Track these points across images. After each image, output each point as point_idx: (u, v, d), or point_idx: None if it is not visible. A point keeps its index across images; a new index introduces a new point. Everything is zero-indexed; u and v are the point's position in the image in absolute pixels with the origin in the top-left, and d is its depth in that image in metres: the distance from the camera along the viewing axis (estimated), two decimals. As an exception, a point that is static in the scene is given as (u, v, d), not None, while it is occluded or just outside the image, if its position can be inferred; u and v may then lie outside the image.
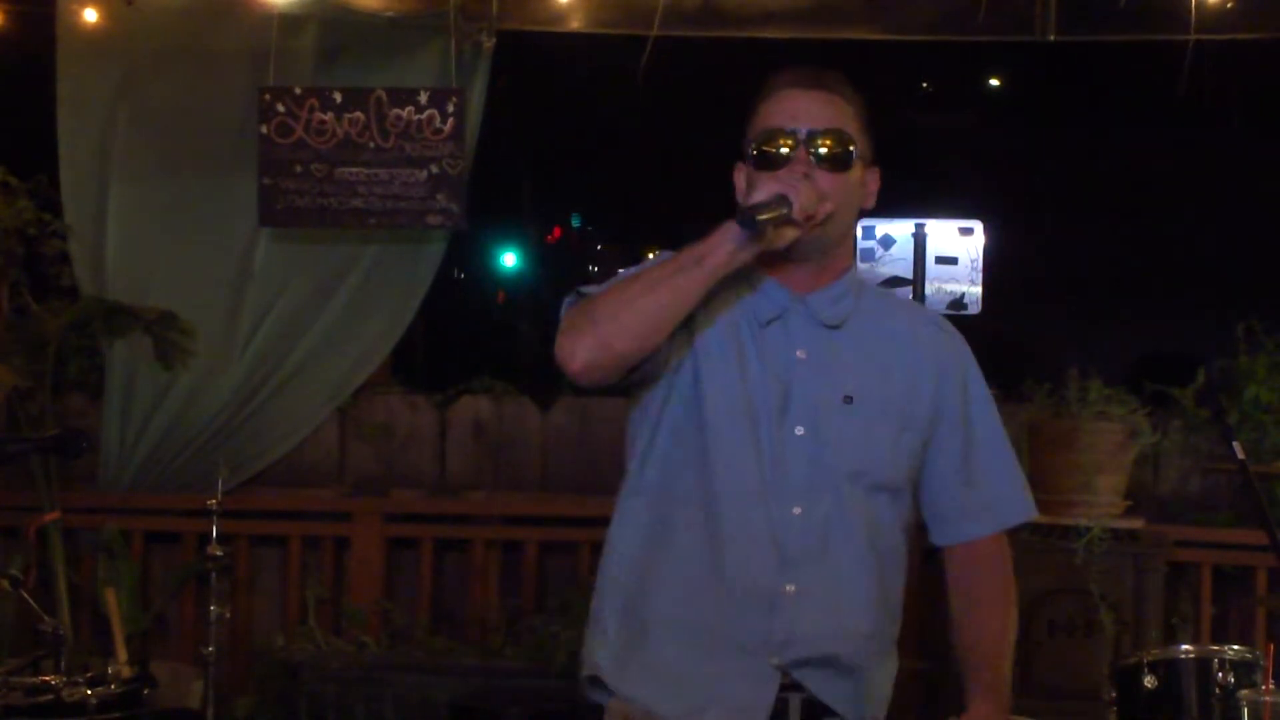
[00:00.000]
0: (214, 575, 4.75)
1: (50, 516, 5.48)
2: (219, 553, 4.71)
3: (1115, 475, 5.07)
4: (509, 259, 14.22)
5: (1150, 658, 3.65)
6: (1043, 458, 5.09)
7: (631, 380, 2.59)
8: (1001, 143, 12.25)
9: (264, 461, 6.05)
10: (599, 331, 2.49)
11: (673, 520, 2.61)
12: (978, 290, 7.23)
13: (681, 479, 2.60)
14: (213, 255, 5.96)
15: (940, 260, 7.17)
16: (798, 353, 2.60)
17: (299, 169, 5.72)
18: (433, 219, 5.77)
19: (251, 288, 5.94)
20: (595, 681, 2.68)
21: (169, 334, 5.67)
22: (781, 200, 2.46)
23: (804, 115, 2.58)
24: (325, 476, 6.17)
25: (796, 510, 2.56)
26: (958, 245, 7.22)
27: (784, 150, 2.57)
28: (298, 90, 5.73)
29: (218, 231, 5.95)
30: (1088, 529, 4.91)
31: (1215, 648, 3.68)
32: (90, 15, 5.80)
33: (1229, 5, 5.35)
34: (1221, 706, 3.50)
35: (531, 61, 6.46)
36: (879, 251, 7.27)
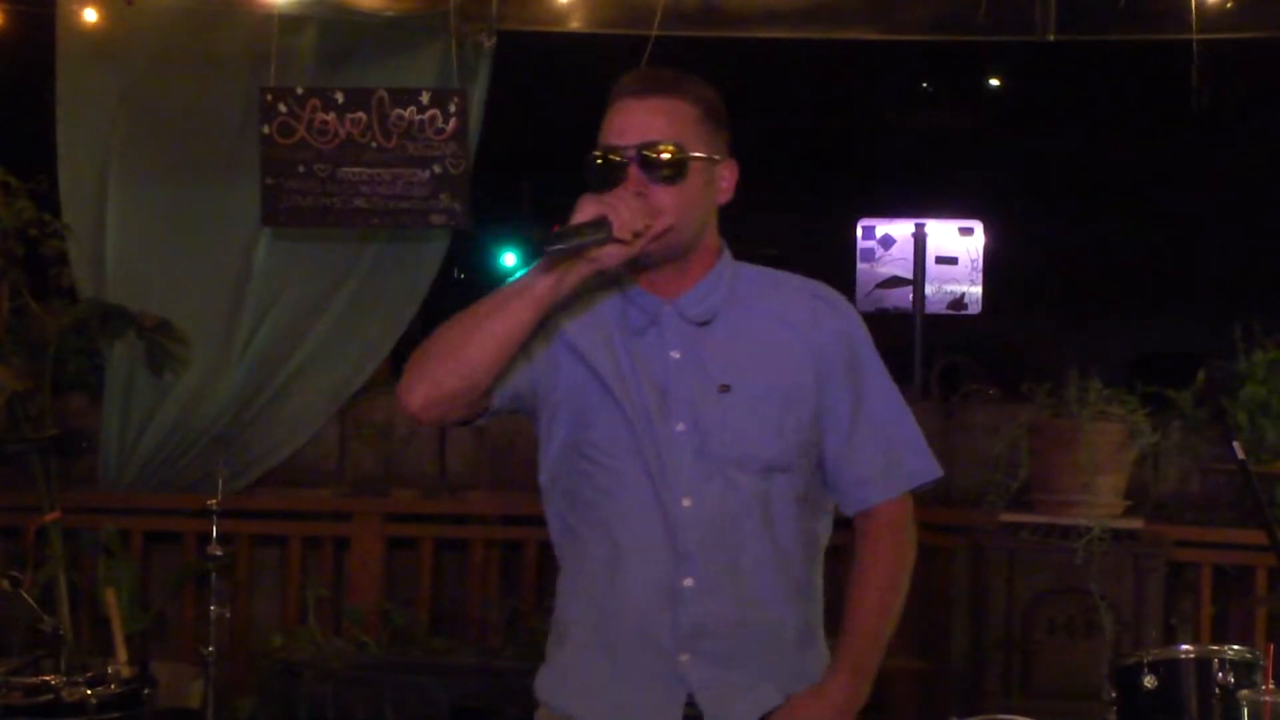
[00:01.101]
0: (214, 575, 4.75)
1: (50, 516, 5.48)
2: (219, 553, 4.71)
3: (1115, 475, 5.07)
4: (509, 259, 14.23)
5: (1150, 658, 3.65)
6: (1043, 458, 5.09)
7: (489, 414, 2.65)
8: (1001, 143, 12.25)
9: (266, 465, 6.06)
10: (431, 371, 2.55)
11: (578, 530, 2.66)
12: (978, 290, 7.24)
13: (579, 491, 2.65)
14: (213, 256, 5.96)
15: (940, 260, 7.18)
16: (672, 354, 2.62)
17: (301, 169, 5.72)
18: (436, 219, 5.77)
19: (252, 289, 5.95)
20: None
21: (163, 341, 5.67)
22: (599, 224, 2.46)
23: (635, 129, 2.57)
24: (325, 476, 6.17)
25: (686, 503, 2.58)
26: (958, 245, 7.23)
27: (615, 167, 2.56)
28: (299, 90, 5.73)
29: (218, 232, 5.95)
30: (1088, 529, 4.91)
31: (1215, 648, 3.67)
32: (90, 16, 5.80)
33: (1228, 5, 5.35)
34: (1221, 706, 3.50)
35: (532, 61, 6.45)
36: (879, 251, 7.27)
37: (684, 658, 2.58)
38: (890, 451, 2.69)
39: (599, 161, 2.58)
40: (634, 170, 2.56)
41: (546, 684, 2.72)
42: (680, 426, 2.59)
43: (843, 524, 2.76)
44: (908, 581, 2.70)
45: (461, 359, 2.53)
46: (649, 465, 2.59)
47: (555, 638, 2.73)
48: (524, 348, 2.59)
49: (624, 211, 2.48)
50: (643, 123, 2.58)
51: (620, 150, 2.57)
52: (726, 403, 2.60)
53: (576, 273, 2.51)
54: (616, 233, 2.47)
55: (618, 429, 2.61)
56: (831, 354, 2.66)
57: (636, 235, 2.50)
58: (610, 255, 2.50)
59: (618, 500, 2.61)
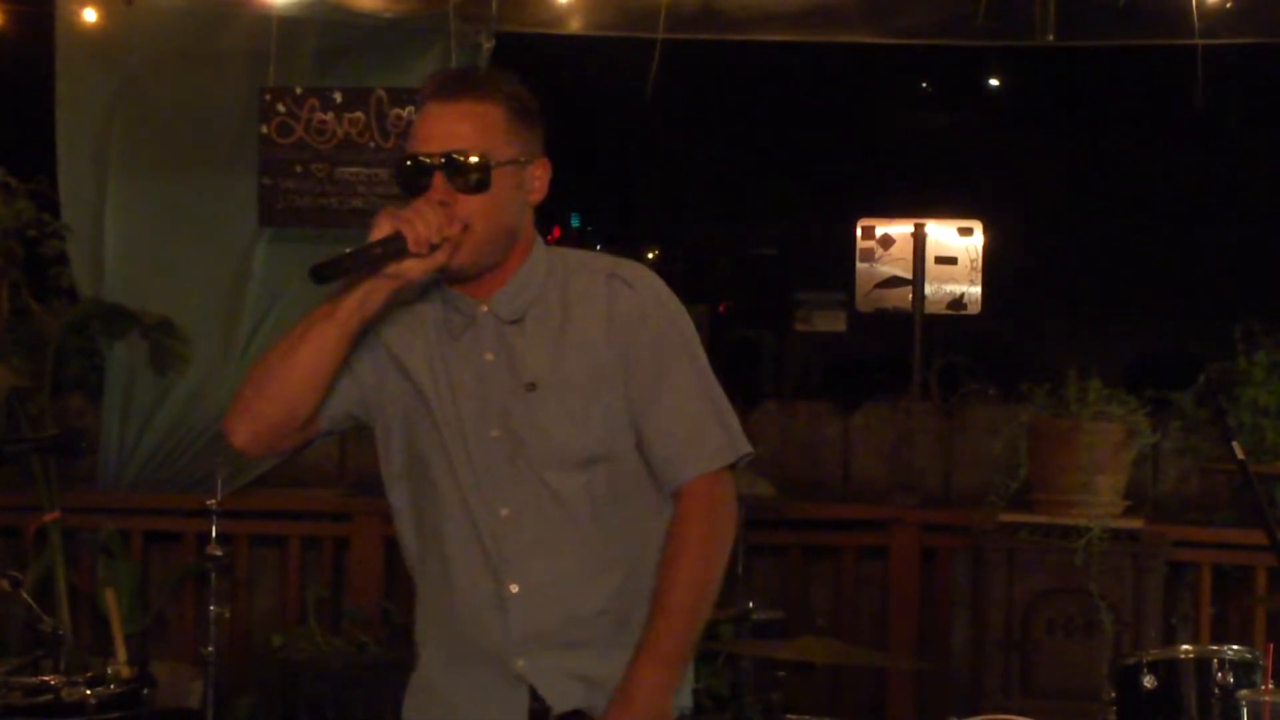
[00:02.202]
0: (214, 575, 4.74)
1: (50, 516, 5.48)
2: (219, 553, 4.71)
3: (1115, 475, 5.07)
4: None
5: (1150, 658, 3.65)
6: (1043, 458, 5.09)
7: (322, 436, 2.65)
8: (1001, 143, 12.25)
9: (264, 465, 6.04)
10: (249, 405, 2.56)
11: (418, 545, 2.67)
12: (978, 290, 7.22)
13: (415, 504, 2.65)
14: (212, 256, 5.96)
15: (940, 260, 7.16)
16: (486, 356, 2.60)
17: (299, 169, 5.72)
18: (433, 219, 5.76)
19: (251, 289, 5.94)
20: None
21: (166, 340, 5.67)
22: (391, 240, 2.46)
23: (439, 137, 2.54)
24: (325, 476, 6.17)
25: (504, 511, 2.57)
26: (958, 245, 7.22)
27: (420, 175, 2.54)
28: (298, 90, 5.73)
29: (217, 232, 5.95)
30: (1088, 529, 4.91)
31: (1215, 648, 3.68)
32: (90, 15, 5.80)
33: (1228, 5, 5.34)
34: (1221, 706, 3.50)
35: (531, 61, 6.46)
36: (878, 251, 7.26)
37: (520, 663, 2.58)
38: (694, 429, 2.62)
39: (406, 168, 2.56)
40: (439, 179, 2.53)
41: (407, 707, 2.73)
42: (494, 433, 2.58)
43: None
44: (724, 565, 2.62)
45: (277, 390, 2.54)
46: (459, 477, 2.57)
47: (417, 641, 2.73)
48: (347, 364, 2.59)
49: (419, 224, 2.47)
50: (448, 129, 2.55)
51: (426, 157, 2.54)
52: (533, 401, 2.58)
53: (379, 291, 2.51)
54: (411, 247, 2.46)
55: (439, 440, 2.60)
56: (629, 333, 2.60)
57: (434, 247, 2.48)
58: (411, 269, 2.50)
59: (442, 513, 2.61)
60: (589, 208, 14.63)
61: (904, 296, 7.16)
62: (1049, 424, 5.09)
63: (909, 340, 6.85)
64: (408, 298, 2.62)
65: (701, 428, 2.62)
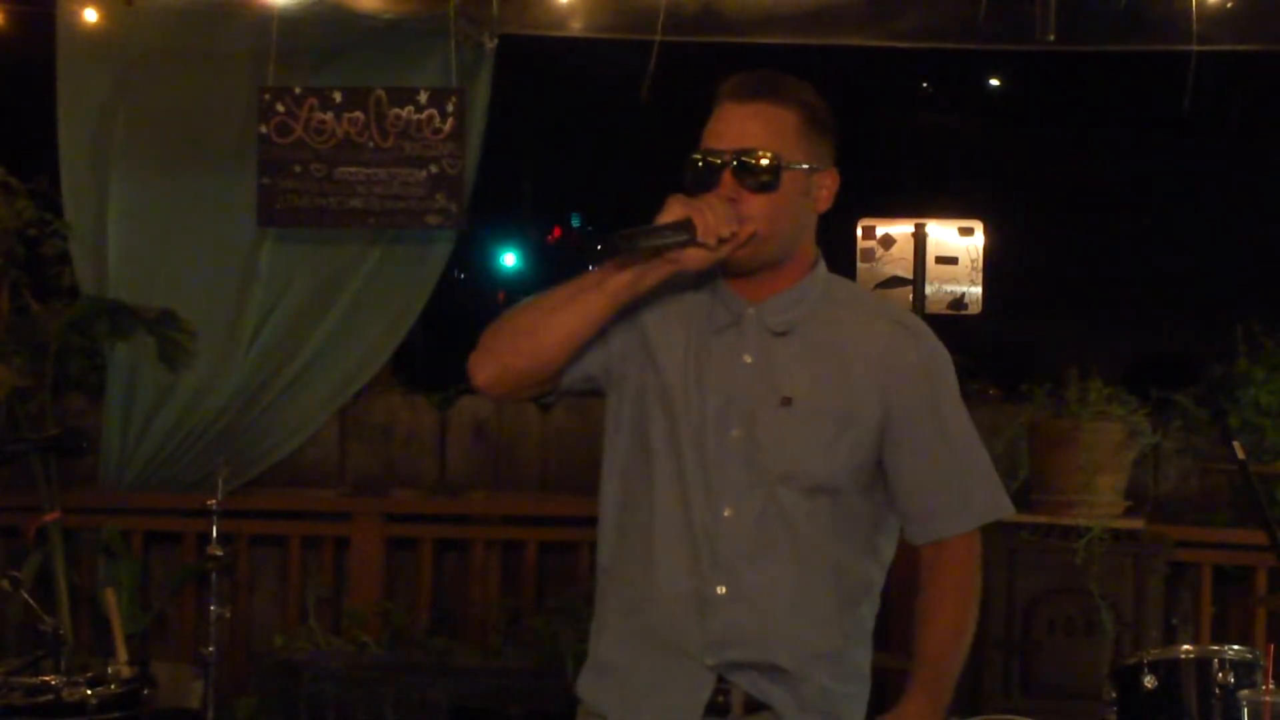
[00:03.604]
0: (214, 575, 4.74)
1: (50, 516, 5.48)
2: (219, 553, 4.71)
3: (1115, 475, 5.07)
4: (509, 259, 14.22)
5: (1150, 658, 3.65)
6: (1043, 458, 5.09)
7: (555, 394, 2.68)
8: (1001, 143, 12.25)
9: (266, 464, 6.05)
10: (501, 351, 2.61)
11: (626, 526, 2.68)
12: (978, 290, 7.22)
13: (631, 487, 2.67)
14: (214, 256, 5.96)
15: (940, 260, 7.15)
16: (745, 358, 2.62)
17: (298, 169, 5.72)
18: (432, 219, 5.77)
19: (254, 289, 5.94)
20: None
21: (171, 333, 5.67)
22: (682, 226, 2.49)
23: (732, 135, 2.57)
24: (325, 476, 6.17)
25: (727, 512, 2.58)
26: (958, 245, 7.21)
27: (710, 171, 2.57)
28: (297, 90, 5.73)
29: (219, 232, 5.95)
30: (1088, 529, 4.91)
31: (1215, 648, 3.67)
32: (90, 15, 5.80)
33: (1228, 5, 5.35)
34: (1221, 707, 3.50)
35: (532, 62, 6.46)
36: (879, 251, 7.26)
37: (709, 662, 2.59)
38: (964, 485, 2.69)
39: (697, 164, 2.58)
40: (728, 176, 2.55)
41: (585, 681, 2.72)
42: (735, 433, 2.59)
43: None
44: (976, 612, 2.70)
45: (532, 344, 2.58)
46: (683, 469, 2.58)
47: (594, 629, 2.73)
48: (601, 330, 2.61)
49: (710, 216, 2.49)
50: (741, 128, 2.58)
51: (717, 154, 2.57)
52: (785, 416, 2.59)
53: (655, 273, 2.54)
54: (700, 236, 2.49)
55: (675, 427, 2.61)
56: (907, 384, 2.64)
57: (722, 241, 2.51)
58: (691, 258, 2.52)
59: (654, 505, 2.62)
60: (589, 208, 14.64)
61: (904, 296, 7.16)
62: (1049, 424, 5.10)
63: (909, 340, 6.85)
64: (680, 284, 2.64)
65: (974, 485, 2.70)
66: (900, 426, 2.63)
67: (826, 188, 2.66)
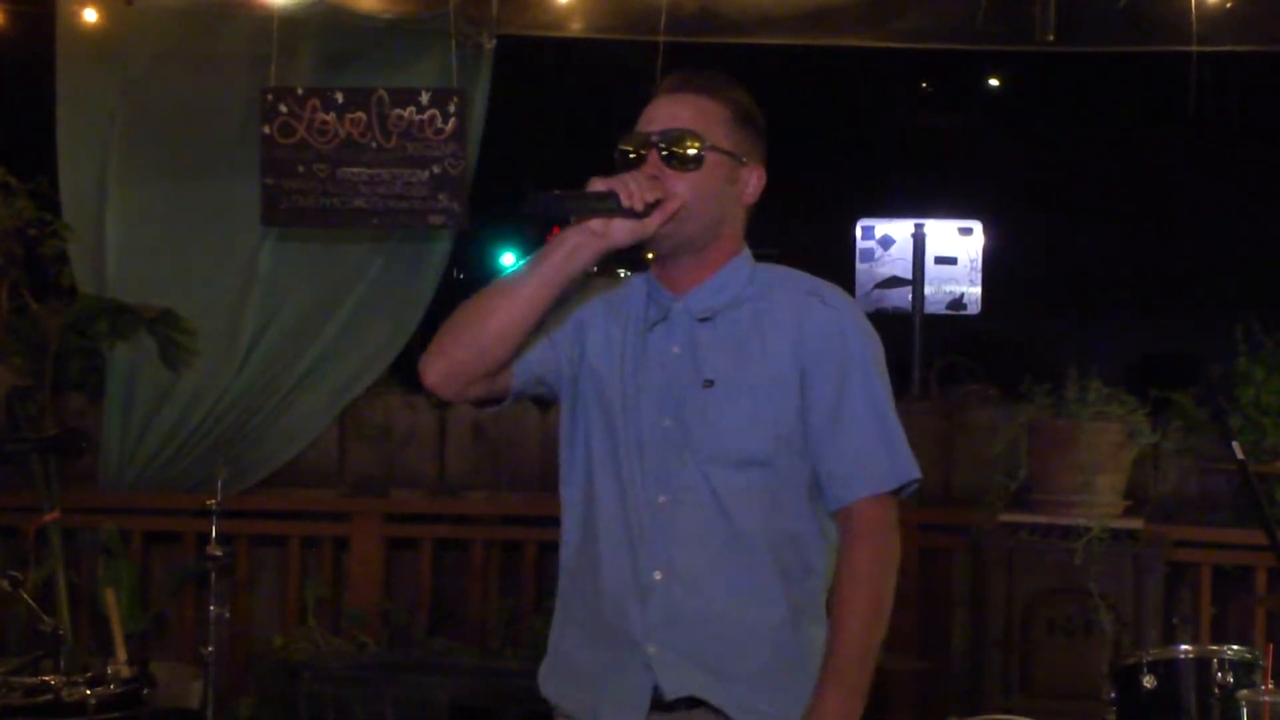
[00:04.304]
0: (214, 575, 4.74)
1: (50, 516, 5.48)
2: (219, 553, 4.71)
3: (1115, 475, 5.07)
4: (508, 259, 14.23)
5: (1150, 658, 3.65)
6: (1042, 458, 5.09)
7: (514, 395, 2.73)
8: (1001, 143, 12.24)
9: (267, 469, 6.05)
10: (446, 346, 2.65)
11: (576, 527, 2.74)
12: (977, 290, 7.23)
13: (578, 486, 2.74)
14: (214, 257, 5.96)
15: (940, 260, 7.17)
16: (673, 349, 2.69)
17: (301, 169, 5.72)
18: (435, 219, 5.77)
19: (256, 291, 5.94)
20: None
21: (171, 333, 5.67)
22: (604, 194, 2.56)
23: (660, 118, 2.67)
24: (325, 477, 6.17)
25: (661, 499, 2.64)
26: (958, 245, 7.22)
27: (638, 149, 2.66)
28: (300, 90, 5.73)
29: (219, 233, 5.95)
30: (1088, 529, 4.91)
31: (1215, 648, 3.68)
32: (90, 15, 5.81)
33: (1228, 5, 5.35)
34: (1221, 706, 3.50)
35: (532, 62, 6.46)
36: (879, 251, 7.26)
37: (651, 649, 2.63)
38: (867, 449, 2.68)
39: (626, 148, 2.67)
40: (654, 155, 2.64)
41: (550, 682, 2.78)
42: (667, 423, 2.66)
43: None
44: (892, 589, 2.67)
45: (474, 334, 2.63)
46: (620, 462, 2.66)
47: (557, 630, 2.80)
48: (546, 331, 2.68)
49: (632, 184, 2.56)
50: (669, 113, 2.68)
51: (645, 137, 2.66)
52: (708, 397, 2.65)
53: (584, 250, 2.59)
54: (624, 202, 2.54)
55: (610, 425, 2.69)
56: (819, 350, 2.68)
57: (649, 207, 2.57)
58: (619, 229, 2.58)
59: (601, 493, 2.69)
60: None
61: (904, 296, 7.16)
62: (1049, 424, 5.09)
63: (909, 340, 6.86)
64: (617, 290, 2.74)
65: (878, 450, 2.69)
66: (810, 390, 2.67)
67: (753, 182, 2.73)
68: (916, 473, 2.71)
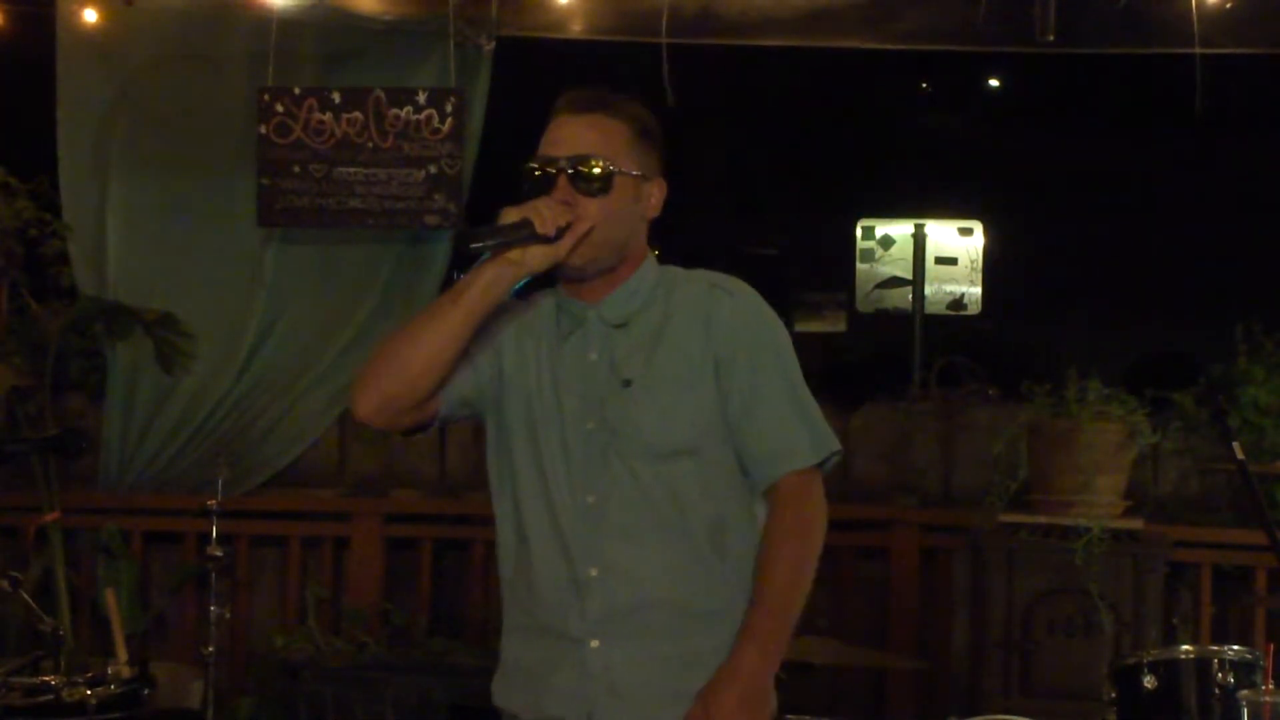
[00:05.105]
0: (214, 575, 4.75)
1: (50, 516, 5.49)
2: (219, 553, 4.71)
3: (1115, 475, 5.07)
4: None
5: (1150, 658, 3.65)
6: (1043, 458, 5.09)
7: (432, 422, 2.81)
8: (1001, 143, 12.23)
9: (268, 471, 6.05)
10: (375, 378, 2.74)
11: (510, 536, 2.82)
12: (977, 291, 7.24)
13: (508, 498, 2.83)
14: (214, 257, 5.96)
15: (940, 260, 7.18)
16: (590, 355, 2.78)
17: (297, 169, 5.72)
18: (431, 219, 5.77)
19: (257, 292, 5.94)
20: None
21: (169, 337, 5.67)
22: (520, 225, 2.62)
23: (566, 142, 2.73)
24: (325, 477, 6.17)
25: (590, 499, 2.72)
26: (958, 245, 7.23)
27: (546, 175, 2.71)
28: (296, 90, 5.73)
29: (219, 233, 5.95)
30: (1087, 529, 4.91)
31: (1215, 648, 3.69)
32: (90, 16, 5.81)
33: (1228, 5, 5.34)
34: (1221, 707, 3.50)
35: (532, 62, 6.46)
36: (879, 252, 7.27)
37: (594, 644, 2.71)
38: (787, 428, 2.78)
39: (534, 172, 2.72)
40: (563, 180, 2.70)
41: (497, 688, 2.87)
42: (590, 425, 2.74)
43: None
44: (815, 557, 2.77)
45: (402, 366, 2.71)
46: (545, 467, 2.74)
47: (503, 639, 2.87)
48: (468, 355, 2.76)
49: (545, 211, 2.64)
50: (576, 136, 2.74)
51: (553, 161, 2.71)
52: (627, 396, 2.74)
53: (503, 280, 2.68)
54: (540, 230, 2.62)
55: (531, 434, 2.78)
56: (729, 338, 2.77)
57: (560, 232, 2.65)
58: (535, 256, 2.67)
59: (528, 501, 2.78)
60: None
61: (904, 296, 7.17)
62: (1049, 424, 5.09)
63: (909, 340, 6.86)
64: (526, 308, 2.83)
65: (793, 429, 2.78)
66: (726, 378, 2.76)
67: (655, 196, 2.82)
68: (836, 445, 2.81)
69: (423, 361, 2.69)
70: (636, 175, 2.76)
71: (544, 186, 2.70)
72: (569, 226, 2.66)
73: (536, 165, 2.72)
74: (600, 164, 2.71)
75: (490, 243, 2.63)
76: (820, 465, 2.80)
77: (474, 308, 2.67)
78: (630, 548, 2.71)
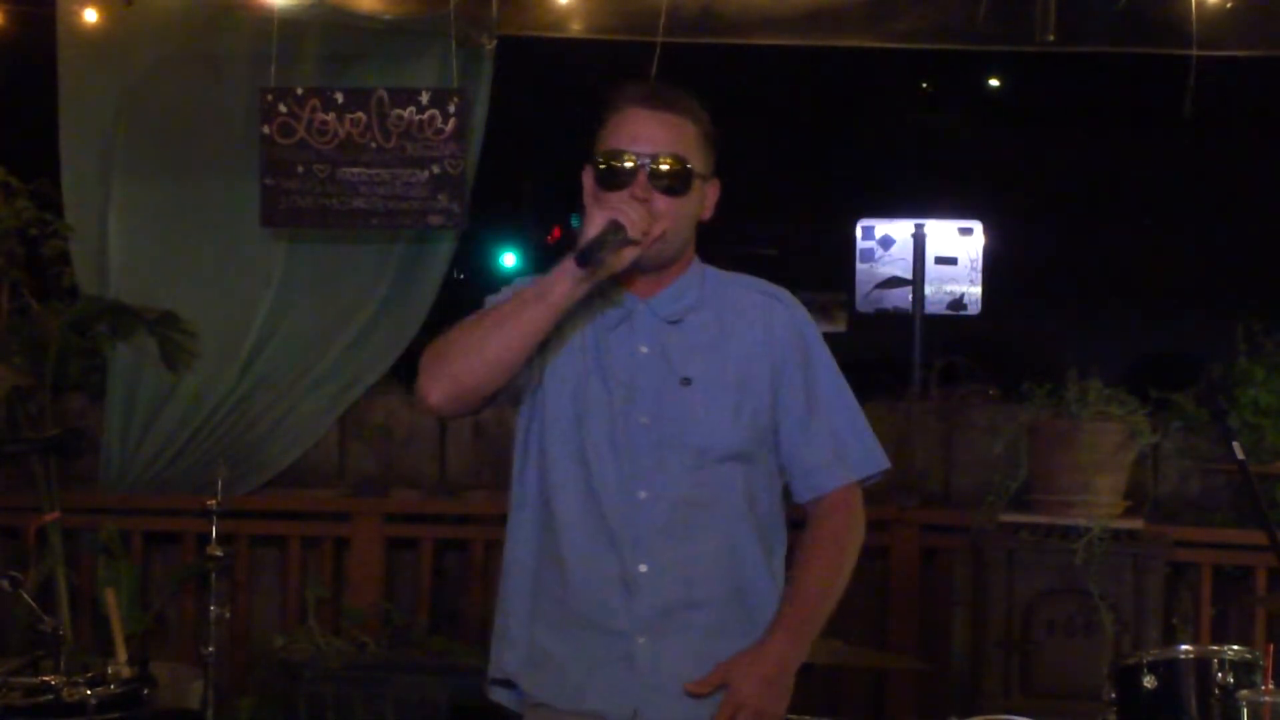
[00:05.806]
0: (214, 575, 4.75)
1: (50, 516, 5.48)
2: (219, 553, 4.71)
3: (1115, 475, 5.07)
4: (509, 259, 14.24)
5: (1150, 658, 3.65)
6: (1042, 458, 5.09)
7: (494, 404, 2.79)
8: (1001, 143, 12.24)
9: (269, 472, 6.05)
10: (451, 370, 2.71)
11: (549, 525, 2.79)
12: (977, 291, 7.23)
13: (533, 485, 2.81)
14: (215, 258, 5.96)
15: (940, 260, 7.17)
16: (640, 348, 2.78)
17: (301, 169, 5.72)
18: (434, 219, 5.77)
19: (258, 292, 5.94)
20: (506, 684, 2.89)
21: (172, 334, 5.67)
22: (616, 227, 2.63)
23: (645, 138, 2.74)
24: (325, 477, 6.17)
25: (643, 494, 2.72)
26: (958, 245, 7.23)
27: (625, 171, 2.72)
28: (299, 90, 5.73)
29: (220, 234, 5.95)
30: (1087, 529, 4.91)
31: (1215, 648, 3.68)
32: (91, 16, 5.81)
33: (1228, 5, 5.35)
34: (1221, 707, 3.50)
35: (532, 62, 6.46)
36: (878, 252, 7.27)
37: (642, 640, 2.72)
38: (840, 442, 2.84)
39: (613, 164, 2.73)
40: (643, 177, 2.71)
41: (521, 671, 2.82)
42: (644, 420, 2.74)
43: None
44: (852, 562, 2.84)
45: (483, 359, 2.69)
46: (589, 459, 2.73)
47: (515, 621, 2.83)
48: None
49: (631, 214, 2.65)
50: (654, 134, 2.74)
51: (634, 156, 2.72)
52: (687, 395, 2.75)
53: (592, 279, 2.67)
54: (631, 234, 2.64)
55: (577, 425, 2.77)
56: (786, 347, 2.82)
57: (644, 234, 2.66)
58: (622, 258, 2.67)
59: (563, 492, 2.76)
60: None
61: (904, 296, 7.16)
62: (1049, 424, 5.10)
63: (909, 340, 6.86)
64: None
65: (849, 442, 2.86)
66: (781, 388, 2.81)
67: (710, 196, 2.85)
68: (886, 462, 2.88)
69: (505, 357, 2.68)
70: (703, 177, 2.79)
71: (622, 180, 2.71)
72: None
73: (616, 158, 2.73)
74: (682, 164, 2.73)
75: (607, 252, 2.64)
76: (863, 481, 2.86)
77: (560, 304, 2.67)
78: (682, 545, 2.73)
